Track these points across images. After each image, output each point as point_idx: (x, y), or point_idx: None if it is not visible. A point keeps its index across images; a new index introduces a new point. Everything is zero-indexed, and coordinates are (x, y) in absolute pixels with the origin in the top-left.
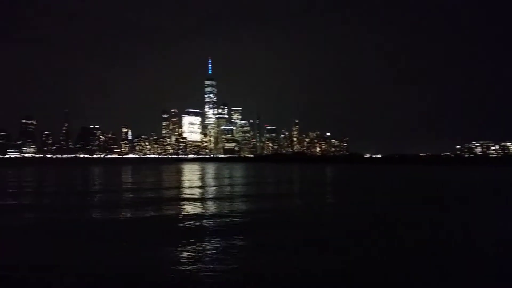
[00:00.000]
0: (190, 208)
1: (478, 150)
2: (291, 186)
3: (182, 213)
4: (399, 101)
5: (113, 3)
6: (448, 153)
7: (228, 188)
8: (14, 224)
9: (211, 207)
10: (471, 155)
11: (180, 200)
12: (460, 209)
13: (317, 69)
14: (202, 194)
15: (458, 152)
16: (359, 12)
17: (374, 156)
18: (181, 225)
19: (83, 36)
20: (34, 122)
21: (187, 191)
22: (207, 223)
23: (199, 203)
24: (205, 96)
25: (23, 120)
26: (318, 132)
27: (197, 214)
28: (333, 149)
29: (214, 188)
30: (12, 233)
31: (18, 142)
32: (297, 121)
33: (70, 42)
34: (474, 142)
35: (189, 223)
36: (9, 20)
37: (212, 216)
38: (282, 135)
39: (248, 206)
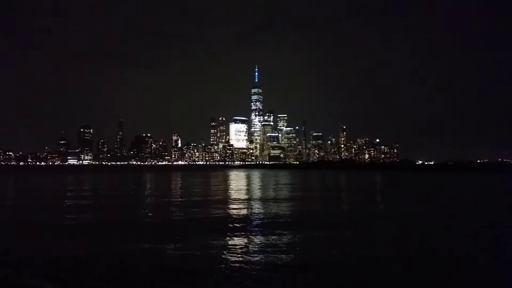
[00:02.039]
0: (237, 210)
1: None
2: (340, 194)
3: (230, 214)
4: (452, 107)
5: (168, 14)
6: (508, 160)
7: (274, 193)
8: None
9: (257, 209)
10: None
11: (227, 203)
12: None
13: (367, 76)
14: (248, 198)
15: None
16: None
17: (427, 163)
18: (230, 224)
19: (134, 46)
20: (91, 131)
21: (234, 196)
22: (256, 222)
23: (245, 206)
24: (252, 104)
25: (82, 129)
26: (367, 139)
27: (245, 215)
28: (382, 156)
29: (260, 193)
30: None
31: (77, 150)
32: (344, 127)
33: (121, 52)
34: None
35: (237, 223)
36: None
37: (261, 217)
38: (329, 142)
39: (293, 209)
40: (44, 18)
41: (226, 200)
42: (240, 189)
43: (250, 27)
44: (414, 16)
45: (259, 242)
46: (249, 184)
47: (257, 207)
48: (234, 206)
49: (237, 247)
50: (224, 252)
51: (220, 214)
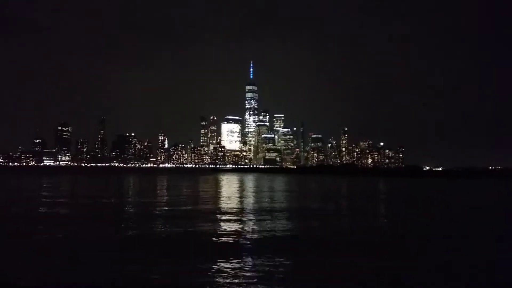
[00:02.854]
0: (228, 224)
1: None
2: (342, 204)
3: (220, 229)
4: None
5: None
6: None
7: (268, 204)
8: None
9: (251, 223)
10: None
11: (217, 214)
12: None
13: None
14: (240, 208)
15: None
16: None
17: (436, 169)
18: (219, 242)
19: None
20: (69, 129)
21: (225, 205)
22: (247, 240)
23: (237, 218)
24: (246, 102)
25: (59, 127)
26: (370, 142)
27: (235, 231)
28: (387, 160)
29: (254, 202)
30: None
31: (54, 150)
32: (346, 129)
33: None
34: None
35: (227, 240)
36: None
37: (253, 233)
38: (329, 145)
39: (291, 225)
40: (22, 9)
41: (215, 211)
42: (232, 197)
43: (246, 19)
44: (422, 15)
45: (251, 267)
46: (241, 190)
47: (249, 220)
48: (224, 218)
49: (226, 274)
50: (212, 279)
51: (209, 229)
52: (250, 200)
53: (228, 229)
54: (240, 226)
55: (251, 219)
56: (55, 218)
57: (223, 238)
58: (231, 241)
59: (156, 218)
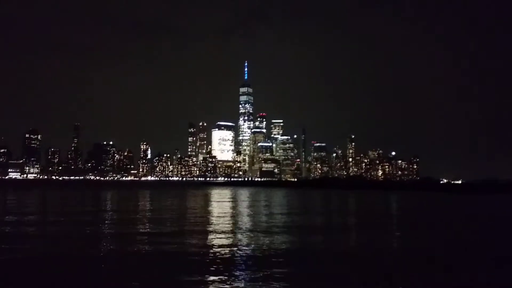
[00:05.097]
0: (219, 250)
1: None
2: (351, 224)
3: (210, 254)
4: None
5: None
6: None
7: (265, 222)
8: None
9: (246, 247)
10: None
11: (206, 235)
12: None
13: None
14: (232, 229)
15: None
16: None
17: (454, 182)
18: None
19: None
20: (39, 137)
21: (215, 224)
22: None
23: (229, 242)
24: (240, 106)
25: (27, 135)
26: (380, 151)
27: (227, 258)
28: (399, 172)
29: (248, 221)
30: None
31: (20, 161)
32: (353, 136)
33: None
34: None
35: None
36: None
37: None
38: (334, 154)
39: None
40: None
41: (204, 231)
42: (223, 215)
43: (239, 14)
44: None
45: None
46: (234, 207)
47: (243, 244)
48: (215, 242)
49: None
50: None
51: (196, 254)
52: (244, 219)
53: (218, 254)
54: (232, 251)
55: (244, 242)
56: (21, 237)
57: (212, 264)
58: (222, 266)
59: (132, 244)
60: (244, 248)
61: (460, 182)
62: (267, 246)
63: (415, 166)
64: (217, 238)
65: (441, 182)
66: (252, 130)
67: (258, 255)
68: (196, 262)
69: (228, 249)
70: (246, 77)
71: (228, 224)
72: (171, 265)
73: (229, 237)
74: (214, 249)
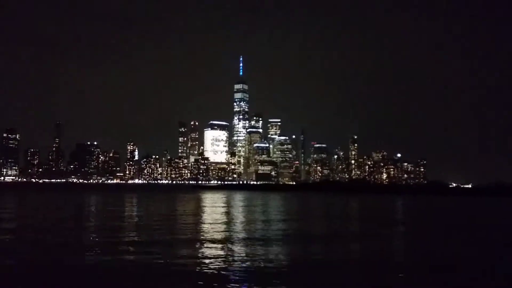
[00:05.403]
0: (210, 262)
1: None
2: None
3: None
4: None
5: None
6: None
7: (261, 230)
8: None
9: (240, 259)
10: None
11: (197, 245)
12: None
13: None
14: (225, 238)
15: None
16: None
17: (464, 186)
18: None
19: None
20: (17, 137)
21: (206, 232)
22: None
23: (222, 253)
24: (234, 104)
25: (4, 134)
26: (385, 153)
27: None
28: (405, 175)
29: (242, 228)
30: None
31: None
32: (355, 137)
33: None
34: None
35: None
36: None
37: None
38: (335, 156)
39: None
40: None
41: (195, 240)
42: (216, 222)
43: (234, 6)
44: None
45: None
46: (228, 213)
47: (237, 255)
48: (207, 253)
49: None
50: None
51: (186, 266)
52: (238, 227)
53: (209, 264)
54: (225, 262)
55: (237, 254)
56: None
57: (201, 274)
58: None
59: (117, 254)
60: (238, 259)
61: (470, 186)
62: (264, 257)
63: (422, 169)
64: (209, 248)
65: (450, 186)
66: (248, 130)
67: (253, 268)
68: (185, 275)
69: (221, 260)
70: (241, 73)
71: (221, 232)
72: (158, 278)
73: (222, 247)
74: (205, 260)
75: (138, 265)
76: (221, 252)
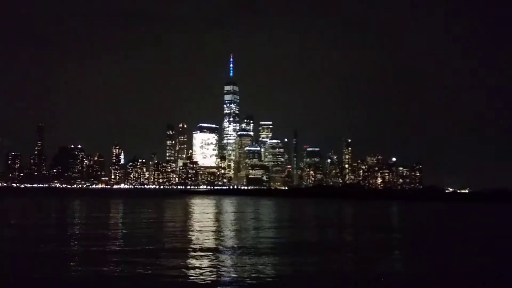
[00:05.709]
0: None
1: None
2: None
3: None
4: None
5: None
6: None
7: (252, 238)
8: None
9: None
10: None
11: (185, 253)
12: None
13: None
14: (215, 246)
15: None
16: None
17: (461, 191)
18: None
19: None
20: None
21: (195, 240)
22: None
23: (211, 263)
24: (224, 106)
25: None
26: (380, 157)
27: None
28: (400, 180)
29: (233, 236)
30: None
31: None
32: (349, 140)
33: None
34: None
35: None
36: None
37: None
38: (329, 160)
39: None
40: None
41: (183, 249)
42: (205, 229)
43: (224, 4)
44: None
45: None
46: (218, 220)
47: (227, 266)
48: (195, 263)
49: None
50: None
51: (173, 277)
52: (228, 234)
53: (199, 274)
54: (215, 273)
55: (227, 264)
56: None
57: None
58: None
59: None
60: (228, 270)
61: (467, 191)
62: (254, 268)
63: (418, 174)
64: (197, 258)
65: (447, 191)
66: (238, 133)
67: (244, 279)
68: (173, 287)
69: (210, 271)
70: (231, 74)
71: (211, 240)
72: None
73: (211, 257)
74: (193, 271)
75: (123, 276)
76: (211, 262)
